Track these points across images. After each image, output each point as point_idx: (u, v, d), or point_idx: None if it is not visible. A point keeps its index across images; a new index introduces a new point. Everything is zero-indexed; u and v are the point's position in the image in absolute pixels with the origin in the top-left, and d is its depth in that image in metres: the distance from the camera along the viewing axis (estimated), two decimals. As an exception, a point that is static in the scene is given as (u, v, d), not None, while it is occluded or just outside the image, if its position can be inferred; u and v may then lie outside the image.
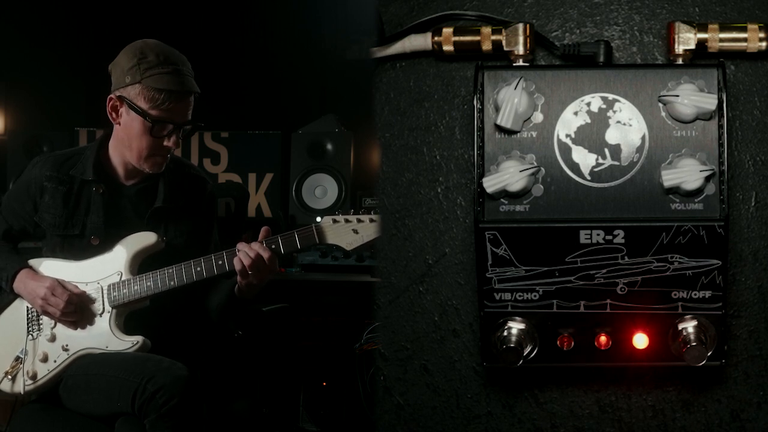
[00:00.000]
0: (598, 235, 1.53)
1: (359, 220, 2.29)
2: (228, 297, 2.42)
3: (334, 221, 2.31)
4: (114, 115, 2.41)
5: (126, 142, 2.42)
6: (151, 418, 2.17)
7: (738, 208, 1.62)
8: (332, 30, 4.73)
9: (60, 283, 2.40)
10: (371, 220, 2.28)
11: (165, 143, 2.39)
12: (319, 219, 2.38)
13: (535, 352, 1.59)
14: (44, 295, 2.38)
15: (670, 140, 1.54)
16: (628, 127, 1.54)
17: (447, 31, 1.62)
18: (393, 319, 1.71)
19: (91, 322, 2.42)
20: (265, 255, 2.29)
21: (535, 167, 1.54)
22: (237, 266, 2.30)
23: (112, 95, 2.40)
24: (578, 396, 1.70)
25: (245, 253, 2.29)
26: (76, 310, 2.40)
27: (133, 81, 2.34)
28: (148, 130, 2.36)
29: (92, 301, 2.42)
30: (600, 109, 1.54)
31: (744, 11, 1.62)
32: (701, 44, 1.56)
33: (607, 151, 1.54)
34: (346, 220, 2.30)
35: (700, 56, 1.57)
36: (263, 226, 2.36)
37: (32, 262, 2.50)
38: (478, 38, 1.60)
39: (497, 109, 1.54)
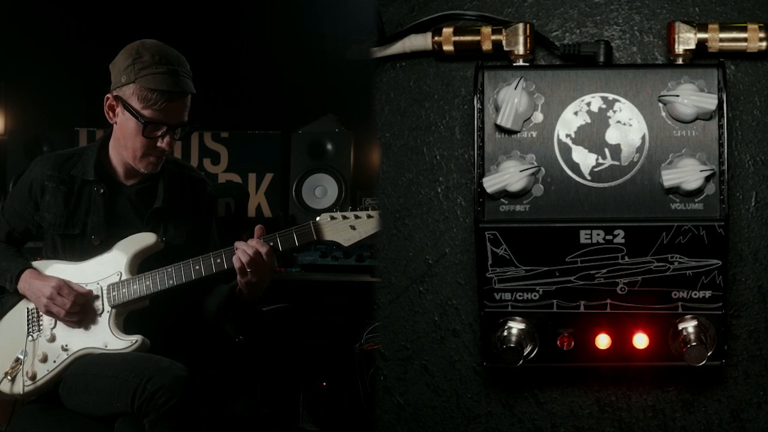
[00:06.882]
0: (598, 235, 1.53)
1: (357, 216, 2.29)
2: (227, 299, 2.42)
3: (332, 218, 2.31)
4: (111, 114, 2.41)
5: (122, 142, 2.42)
6: (150, 418, 2.17)
7: (738, 208, 1.62)
8: (332, 30, 4.72)
9: (66, 283, 2.40)
10: (368, 216, 2.28)
11: (158, 144, 2.38)
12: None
13: (535, 352, 1.59)
14: (50, 295, 2.38)
15: (670, 140, 1.54)
16: (628, 127, 1.54)
17: (447, 31, 1.62)
18: (393, 319, 1.71)
19: (90, 322, 2.41)
20: (263, 250, 2.29)
21: (535, 167, 1.54)
22: (236, 264, 2.29)
23: (109, 95, 2.40)
24: (578, 396, 1.70)
25: (243, 250, 2.29)
26: (81, 310, 2.40)
27: (128, 81, 2.34)
28: (141, 131, 2.35)
29: (94, 301, 2.42)
30: (600, 109, 1.54)
31: (744, 11, 1.62)
32: (701, 44, 1.56)
33: (607, 151, 1.54)
34: (344, 217, 2.30)
35: (700, 56, 1.57)
36: (258, 225, 2.35)
37: (35, 264, 2.50)
38: (478, 38, 1.61)
39: (497, 109, 1.54)
